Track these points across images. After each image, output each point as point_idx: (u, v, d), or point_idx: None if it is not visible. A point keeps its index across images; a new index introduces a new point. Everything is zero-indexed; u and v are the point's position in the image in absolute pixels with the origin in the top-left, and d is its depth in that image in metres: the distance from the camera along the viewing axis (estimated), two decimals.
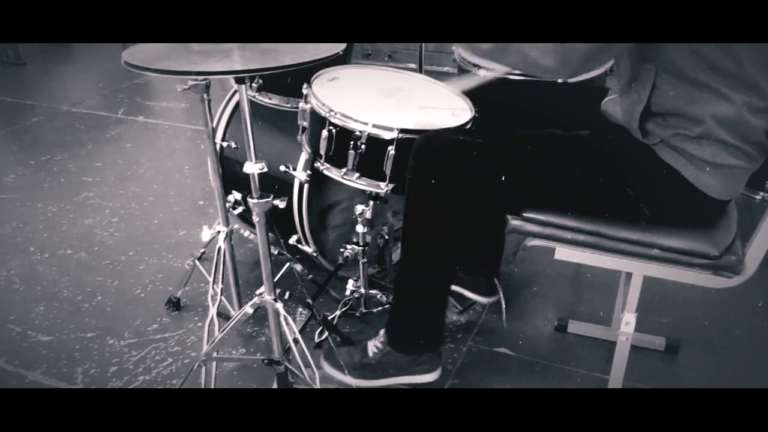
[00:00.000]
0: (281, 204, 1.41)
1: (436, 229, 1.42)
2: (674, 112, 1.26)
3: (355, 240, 1.80)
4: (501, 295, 1.90)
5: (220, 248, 1.70)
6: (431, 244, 1.45)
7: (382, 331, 1.61)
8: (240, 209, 1.78)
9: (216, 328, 1.65)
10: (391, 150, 1.49)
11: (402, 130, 1.48)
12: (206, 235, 1.80)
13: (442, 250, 1.45)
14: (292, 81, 1.81)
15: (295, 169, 1.72)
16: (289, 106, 1.89)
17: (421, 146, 1.40)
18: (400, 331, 1.57)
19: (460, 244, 1.46)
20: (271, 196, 1.38)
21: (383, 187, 1.56)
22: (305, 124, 1.64)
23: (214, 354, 1.55)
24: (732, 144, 1.24)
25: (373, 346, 1.60)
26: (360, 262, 1.82)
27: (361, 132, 1.50)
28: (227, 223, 1.70)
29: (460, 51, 1.98)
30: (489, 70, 1.78)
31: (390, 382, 1.59)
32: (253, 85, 1.89)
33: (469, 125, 1.57)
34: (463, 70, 1.89)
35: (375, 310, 1.92)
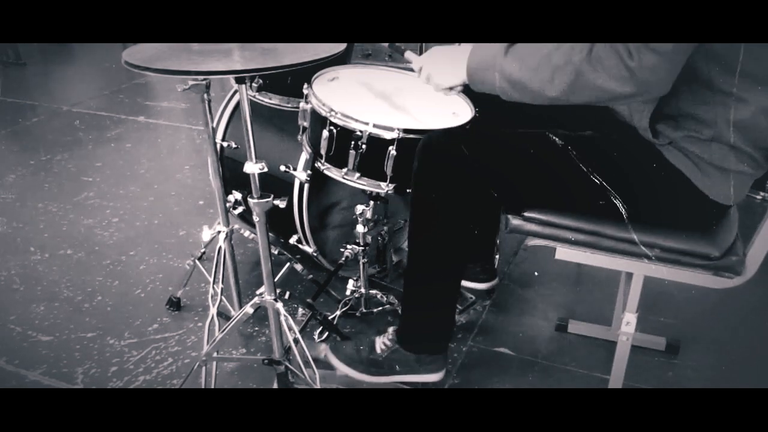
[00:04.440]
0: (281, 204, 1.41)
1: (443, 226, 1.42)
2: (687, 113, 1.25)
3: (355, 240, 1.80)
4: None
5: (220, 248, 1.69)
6: (438, 242, 1.44)
7: (391, 329, 1.61)
8: (240, 209, 1.77)
9: (216, 328, 1.65)
10: (392, 150, 1.49)
11: (403, 130, 1.48)
12: (206, 235, 1.81)
13: (448, 248, 1.45)
14: (292, 81, 1.81)
15: (295, 169, 1.72)
16: (289, 106, 1.89)
17: (425, 146, 1.39)
18: (409, 330, 1.57)
19: (466, 241, 1.46)
20: (272, 196, 1.38)
21: (384, 187, 1.56)
22: (306, 124, 1.64)
23: (215, 354, 1.55)
24: (742, 149, 1.23)
25: (382, 343, 1.60)
26: (360, 262, 1.82)
27: (362, 132, 1.50)
28: (227, 223, 1.70)
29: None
30: None
31: (395, 379, 1.59)
32: (253, 85, 1.89)
33: (469, 125, 1.57)
34: None
35: (375, 310, 1.92)
